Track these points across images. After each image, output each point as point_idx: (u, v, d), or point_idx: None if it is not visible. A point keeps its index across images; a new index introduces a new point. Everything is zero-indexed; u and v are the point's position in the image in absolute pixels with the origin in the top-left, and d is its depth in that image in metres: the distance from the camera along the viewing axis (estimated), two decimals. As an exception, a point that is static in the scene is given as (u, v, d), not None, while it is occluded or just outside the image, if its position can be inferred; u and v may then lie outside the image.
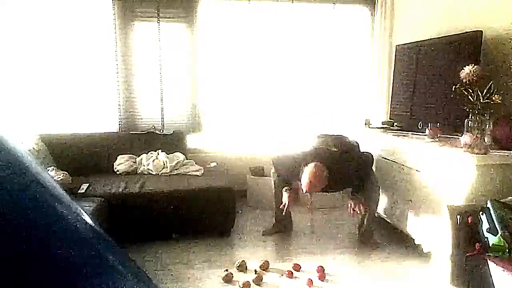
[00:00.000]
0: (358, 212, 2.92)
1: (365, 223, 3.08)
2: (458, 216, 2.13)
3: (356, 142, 3.11)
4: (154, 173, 3.44)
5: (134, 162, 3.56)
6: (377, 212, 3.38)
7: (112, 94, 3.90)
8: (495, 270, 1.86)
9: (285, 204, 3.04)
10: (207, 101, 4.10)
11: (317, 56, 4.20)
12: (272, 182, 3.25)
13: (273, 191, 3.26)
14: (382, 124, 3.59)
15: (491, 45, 2.78)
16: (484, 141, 2.38)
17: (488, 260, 1.90)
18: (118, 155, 3.59)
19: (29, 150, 3.18)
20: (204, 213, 3.08)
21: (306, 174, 2.75)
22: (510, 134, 2.47)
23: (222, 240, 3.10)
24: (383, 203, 3.30)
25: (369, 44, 4.28)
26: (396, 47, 3.79)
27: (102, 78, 3.88)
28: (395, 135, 3.19)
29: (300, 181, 2.82)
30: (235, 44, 4.06)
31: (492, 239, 1.93)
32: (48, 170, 3.08)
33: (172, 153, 3.62)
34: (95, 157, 3.56)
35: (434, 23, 3.41)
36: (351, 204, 2.92)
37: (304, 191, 2.81)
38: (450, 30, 3.07)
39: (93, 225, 0.72)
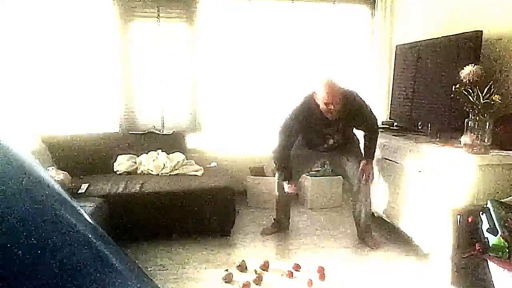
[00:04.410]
0: (370, 178, 2.97)
1: (362, 220, 3.08)
2: (458, 216, 2.13)
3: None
4: (154, 173, 3.44)
5: (134, 162, 3.56)
6: (377, 212, 3.39)
7: (112, 94, 3.90)
8: (495, 270, 1.86)
9: (289, 193, 3.09)
10: (207, 101, 4.10)
11: (317, 56, 4.20)
12: (276, 178, 3.24)
13: (276, 188, 3.24)
14: (382, 124, 3.59)
15: (491, 45, 2.78)
16: (484, 141, 2.38)
17: (488, 260, 1.90)
18: (118, 155, 3.59)
19: (29, 151, 3.18)
20: (204, 213, 3.08)
21: (321, 88, 2.70)
22: (510, 134, 2.47)
23: (222, 240, 3.10)
24: (383, 203, 3.30)
25: (369, 44, 4.28)
26: (396, 47, 3.79)
27: (102, 78, 3.88)
28: (395, 135, 3.19)
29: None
30: (235, 43, 4.05)
31: (492, 239, 1.93)
32: (48, 170, 3.08)
33: (172, 153, 3.62)
34: (95, 157, 3.56)
35: (434, 23, 3.41)
36: (364, 170, 2.96)
37: (328, 105, 2.70)
38: (450, 30, 3.07)
39: (93, 225, 0.72)
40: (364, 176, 2.98)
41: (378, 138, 3.06)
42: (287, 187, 3.06)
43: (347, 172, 3.09)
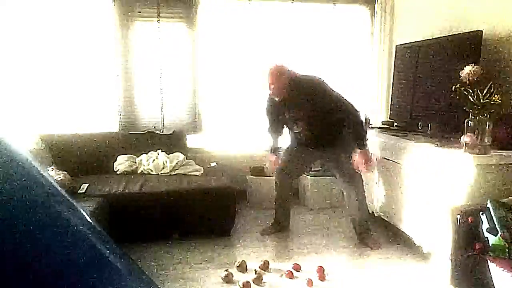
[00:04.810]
0: (367, 168, 2.81)
1: (357, 222, 3.08)
2: (458, 216, 2.13)
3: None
4: (154, 173, 3.44)
5: (134, 162, 3.56)
6: (377, 212, 3.39)
7: (112, 94, 3.90)
8: (495, 270, 1.86)
9: (270, 166, 3.21)
10: (207, 101, 4.10)
11: (317, 56, 4.20)
12: (275, 178, 3.26)
13: (275, 189, 3.25)
14: (382, 124, 3.59)
15: (491, 45, 2.78)
16: (484, 141, 2.38)
17: (488, 260, 1.90)
18: (118, 155, 3.59)
19: (29, 150, 3.18)
20: (204, 213, 3.08)
21: (266, 77, 2.80)
22: (510, 134, 2.47)
23: (222, 240, 3.10)
24: (383, 203, 3.30)
25: (369, 44, 4.28)
26: (396, 47, 3.79)
27: (102, 78, 3.88)
28: (395, 135, 3.19)
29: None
30: (235, 43, 4.05)
31: (492, 239, 1.93)
32: (48, 170, 3.08)
33: (172, 153, 3.62)
34: (95, 157, 3.55)
35: (434, 23, 3.41)
36: (357, 160, 2.81)
37: (272, 93, 2.84)
38: (450, 30, 3.07)
39: (93, 225, 0.72)
40: (363, 167, 2.83)
41: (361, 125, 2.86)
42: (269, 156, 3.19)
43: (336, 174, 3.09)
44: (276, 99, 2.85)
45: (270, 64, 2.88)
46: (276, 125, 3.15)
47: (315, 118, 2.89)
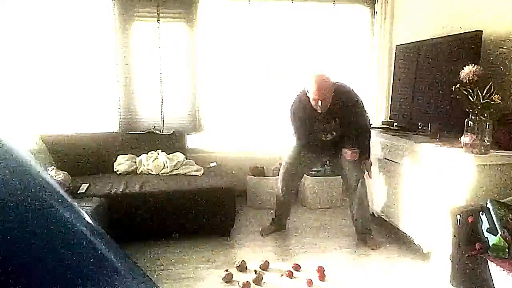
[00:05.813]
0: (355, 157, 2.94)
1: (359, 221, 3.08)
2: (458, 216, 2.13)
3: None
4: (154, 173, 3.44)
5: (134, 162, 3.56)
6: (377, 212, 3.39)
7: (112, 94, 3.90)
8: (495, 270, 1.86)
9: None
10: (207, 101, 4.10)
11: (317, 56, 4.20)
12: (279, 177, 3.25)
13: (279, 185, 3.24)
14: (382, 124, 3.59)
15: (491, 45, 2.78)
16: (484, 141, 2.38)
17: (488, 260, 1.90)
18: (118, 155, 3.59)
19: (29, 150, 3.18)
20: (204, 213, 3.08)
21: (312, 83, 2.77)
22: (510, 134, 2.47)
23: (222, 240, 3.10)
24: (383, 203, 3.30)
25: (369, 44, 4.28)
26: (396, 47, 3.79)
27: (102, 78, 3.88)
28: (395, 135, 3.19)
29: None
30: (235, 43, 4.06)
31: (492, 239, 1.93)
32: (48, 170, 3.08)
33: (172, 153, 3.62)
34: (95, 157, 3.56)
35: (434, 23, 3.41)
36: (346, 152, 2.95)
37: (316, 101, 2.78)
38: (450, 30, 3.07)
39: (93, 225, 0.71)
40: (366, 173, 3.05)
41: (370, 138, 3.07)
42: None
43: (344, 173, 3.08)
44: (319, 111, 2.83)
45: (314, 74, 2.84)
46: (306, 130, 3.04)
47: (344, 126, 2.96)
